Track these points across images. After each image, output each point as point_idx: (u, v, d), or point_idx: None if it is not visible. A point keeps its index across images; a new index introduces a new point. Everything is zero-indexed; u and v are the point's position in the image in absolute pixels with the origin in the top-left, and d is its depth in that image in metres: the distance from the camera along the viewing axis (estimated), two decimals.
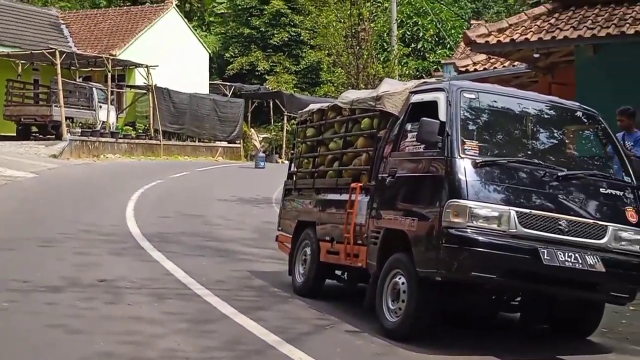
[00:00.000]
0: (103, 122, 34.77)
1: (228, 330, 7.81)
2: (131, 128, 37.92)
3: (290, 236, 10.70)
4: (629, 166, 8.16)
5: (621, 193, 7.91)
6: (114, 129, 35.54)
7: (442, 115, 7.85)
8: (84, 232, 13.60)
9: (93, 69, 37.70)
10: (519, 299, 8.52)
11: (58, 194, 19.76)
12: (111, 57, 36.66)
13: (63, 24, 43.74)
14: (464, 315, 9.00)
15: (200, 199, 21.08)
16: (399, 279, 7.91)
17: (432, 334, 7.84)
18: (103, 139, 33.64)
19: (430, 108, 8.05)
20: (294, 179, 11.22)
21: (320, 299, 9.66)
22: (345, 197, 9.26)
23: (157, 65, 37.32)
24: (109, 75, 35.67)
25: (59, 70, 32.07)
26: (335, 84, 43.05)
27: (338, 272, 9.98)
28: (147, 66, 37.36)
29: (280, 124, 45.25)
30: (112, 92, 36.40)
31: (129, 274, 10.28)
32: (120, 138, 35.29)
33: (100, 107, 34.96)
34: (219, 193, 22.53)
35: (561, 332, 8.58)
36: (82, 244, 12.44)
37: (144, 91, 38.81)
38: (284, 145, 43.08)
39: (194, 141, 41.29)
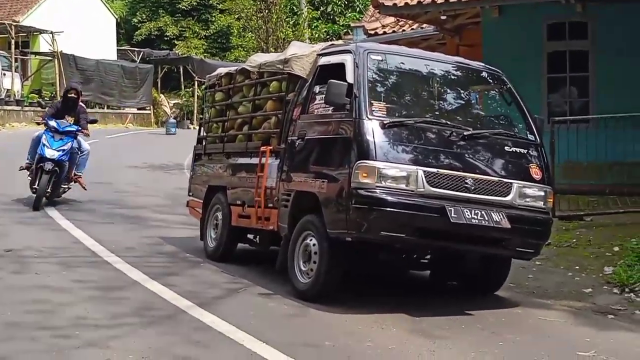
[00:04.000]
0: (7, 90, 33.83)
1: (138, 297, 7.74)
2: (37, 96, 36.99)
3: (201, 201, 10.63)
4: (532, 125, 8.32)
5: (525, 151, 8.07)
6: (19, 97, 34.60)
7: (350, 77, 7.87)
8: None
9: None
10: (428, 257, 8.67)
11: None
12: (14, 24, 35.59)
13: None
14: (374, 275, 9.12)
15: (110, 166, 20.68)
16: (310, 240, 7.95)
17: (343, 293, 7.91)
18: (8, 107, 32.74)
19: (338, 70, 8.06)
20: (204, 143, 11.14)
21: (233, 263, 9.65)
22: (255, 160, 9.23)
23: (62, 31, 36.37)
24: (13, 42, 34.66)
25: None
26: (246, 49, 42.73)
27: (250, 236, 9.97)
28: (51, 32, 36.42)
29: (191, 89, 44.74)
30: (16, 59, 35.41)
31: (36, 243, 10.10)
32: (26, 106, 34.36)
33: (4, 74, 33.93)
34: (129, 160, 22.23)
35: (470, 288, 8.76)
36: None
37: (50, 58, 37.84)
38: (195, 111, 42.60)
39: (103, 108, 40.54)
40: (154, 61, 45.45)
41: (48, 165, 12.95)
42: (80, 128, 13.68)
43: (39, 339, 6.10)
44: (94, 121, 15.19)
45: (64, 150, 13.19)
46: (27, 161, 13.74)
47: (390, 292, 8.71)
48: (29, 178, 13.42)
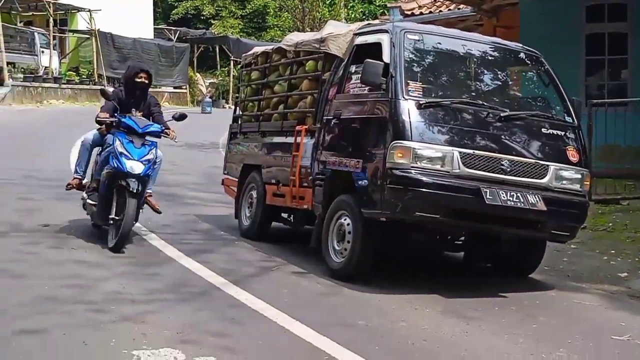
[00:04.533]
0: (45, 67, 34.16)
1: (173, 273, 7.81)
2: (75, 73, 37.29)
3: (236, 180, 10.69)
4: (570, 107, 8.25)
5: (562, 133, 8.00)
6: (57, 74, 34.93)
7: (386, 57, 7.84)
8: (27, 178, 13.42)
9: (34, 13, 36.90)
10: (462, 238, 8.64)
11: (1, 140, 19.41)
12: (52, 1, 35.85)
13: None
14: (408, 256, 9.12)
15: None
16: (344, 220, 7.96)
17: (377, 273, 7.92)
18: (46, 85, 33.05)
19: (374, 50, 8.03)
20: (239, 122, 11.18)
21: (267, 241, 9.69)
22: (290, 139, 9.24)
23: (99, 9, 36.60)
24: (51, 19, 34.94)
25: None
26: (282, 28, 42.82)
27: (284, 215, 10.01)
28: (89, 10, 36.64)
29: (227, 69, 44.86)
30: (54, 37, 35.70)
31: (73, 218, 10.18)
32: (64, 83, 34.68)
33: (43, 52, 34.29)
34: (166, 139, 22.24)
35: (504, 270, 8.73)
36: (26, 190, 12.31)
37: (87, 36, 38.11)
38: (231, 91, 42.75)
39: None
40: (190, 40, 45.57)
41: (134, 185, 8.76)
42: (164, 128, 9.53)
43: (75, 312, 6.17)
44: (183, 117, 10.20)
45: (149, 161, 8.98)
46: (77, 176, 9.81)
47: (423, 273, 8.71)
48: (89, 201, 9.36)
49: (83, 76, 37.52)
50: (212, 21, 51.03)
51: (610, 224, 10.80)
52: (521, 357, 5.79)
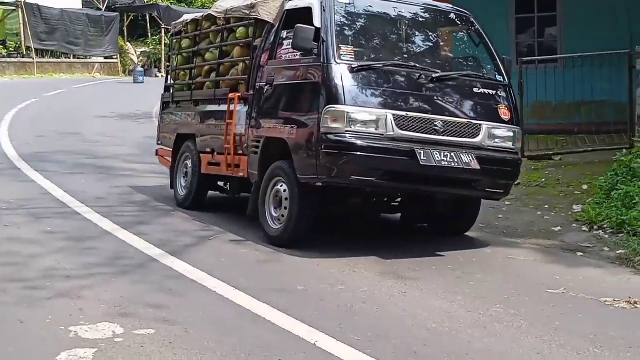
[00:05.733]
0: None
1: (109, 246, 7.71)
2: (2, 47, 36.47)
3: (171, 150, 10.58)
4: (501, 66, 8.31)
5: (494, 92, 8.07)
6: None
7: (317, 22, 7.80)
8: None
9: None
10: (398, 200, 8.70)
11: None
12: None
13: None
14: (346, 219, 9.16)
15: (78, 116, 20.55)
16: (281, 186, 7.95)
17: (315, 239, 7.94)
18: None
19: (305, 15, 7.99)
20: (172, 91, 11.04)
21: (204, 211, 9.64)
22: (224, 107, 9.17)
23: None
24: None
25: None
26: None
27: (220, 184, 9.96)
28: None
29: (158, 37, 44.25)
30: None
31: (5, 195, 10.01)
32: None
33: None
34: (97, 110, 22.02)
35: (440, 230, 8.82)
36: None
37: (13, 8, 37.23)
38: (163, 59, 42.22)
39: (69, 58, 40.05)
40: (119, 9, 44.83)
41: None
42: None
43: (10, 291, 6.06)
44: None
45: None
46: None
47: (361, 236, 8.76)
48: None
49: (10, 49, 36.69)
50: None
51: (543, 180, 10.97)
52: (459, 315, 5.86)
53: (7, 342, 5.02)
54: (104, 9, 44.02)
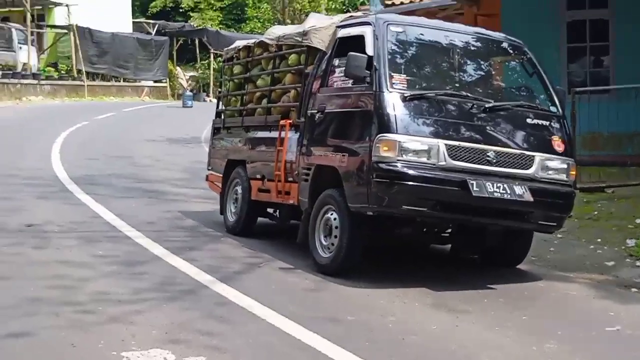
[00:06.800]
0: (24, 63, 33.86)
1: (160, 271, 7.74)
2: (54, 69, 37.03)
3: (221, 175, 10.61)
4: (554, 96, 8.23)
5: (547, 123, 7.98)
6: (35, 70, 34.64)
7: (370, 50, 7.79)
8: (8, 177, 13.31)
9: (11, 9, 36.55)
10: (449, 230, 8.62)
11: None
12: None
13: None
14: (395, 249, 9.09)
15: (128, 140, 20.77)
16: (331, 214, 7.92)
17: (365, 268, 7.89)
18: (25, 81, 32.78)
19: (358, 42, 7.99)
20: (223, 117, 11.10)
21: (253, 237, 9.64)
22: (274, 134, 9.19)
23: (77, 4, 36.36)
24: (28, 15, 34.65)
25: None
26: (261, 20, 42.67)
27: (270, 210, 9.95)
28: (67, 5, 36.38)
29: (206, 62, 44.62)
30: (32, 33, 35.38)
31: (56, 217, 10.11)
32: (43, 80, 34.41)
33: (20, 48, 33.97)
34: (147, 134, 22.23)
35: (491, 262, 8.71)
36: (7, 189, 12.19)
37: (65, 31, 37.82)
38: (212, 84, 42.59)
39: (119, 81, 40.55)
40: (169, 33, 45.27)
41: None
42: None
43: (62, 314, 6.10)
44: None
45: None
46: None
47: (411, 266, 8.68)
48: None
49: (62, 72, 37.27)
50: (191, 14, 50.69)
51: (596, 213, 10.80)
52: (512, 350, 5.78)
53: None
54: (153, 33, 44.52)
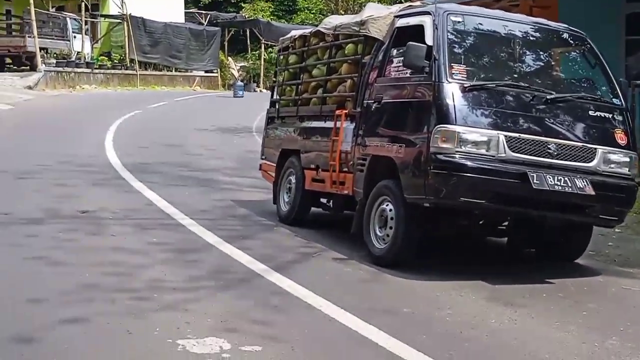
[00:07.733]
0: (78, 52, 34.27)
1: (214, 259, 7.72)
2: (107, 58, 37.41)
3: (274, 165, 10.57)
4: (617, 88, 8.04)
5: (610, 115, 7.80)
6: (89, 59, 35.02)
7: (429, 40, 7.67)
8: (62, 164, 13.40)
9: None
10: (506, 223, 8.48)
11: (35, 126, 19.48)
12: None
13: None
14: (451, 241, 8.97)
15: (180, 129, 20.86)
16: (387, 205, 7.83)
17: (420, 260, 7.79)
18: (78, 70, 33.14)
19: (416, 32, 7.88)
20: (277, 107, 11.04)
21: (306, 227, 9.58)
22: (330, 124, 9.11)
23: None
24: (83, 4, 35.00)
25: (31, 0, 31.36)
26: (313, 11, 42.56)
27: (323, 200, 9.88)
28: None
29: (257, 52, 44.71)
30: (86, 22, 35.78)
31: (110, 204, 10.14)
32: (96, 68, 34.80)
33: (75, 37, 34.37)
34: (198, 123, 22.31)
35: (548, 255, 8.55)
36: (62, 176, 12.26)
37: (119, 20, 38.17)
38: (262, 74, 42.67)
39: (171, 71, 40.80)
40: (220, 24, 45.47)
41: None
42: None
43: (118, 301, 6.10)
44: None
45: None
46: None
47: (467, 258, 8.58)
48: None
49: (115, 61, 37.63)
50: (243, 4, 50.89)
51: None
52: (573, 347, 5.64)
53: (116, 353, 5.05)
54: (205, 24, 44.70)
